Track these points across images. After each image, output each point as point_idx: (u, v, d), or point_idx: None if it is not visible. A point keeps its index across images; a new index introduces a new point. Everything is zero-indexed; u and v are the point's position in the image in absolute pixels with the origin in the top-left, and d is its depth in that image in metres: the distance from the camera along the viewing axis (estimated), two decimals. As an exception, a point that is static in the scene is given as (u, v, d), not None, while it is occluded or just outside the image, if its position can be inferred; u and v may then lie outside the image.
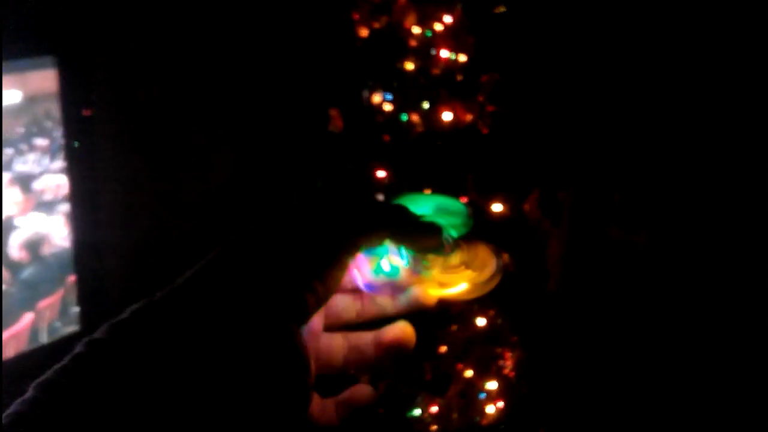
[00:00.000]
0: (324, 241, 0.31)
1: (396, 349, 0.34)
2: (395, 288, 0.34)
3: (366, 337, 0.35)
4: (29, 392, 0.27)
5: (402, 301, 0.35)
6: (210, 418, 0.27)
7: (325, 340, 0.35)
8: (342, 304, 0.35)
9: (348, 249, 0.31)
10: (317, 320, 0.34)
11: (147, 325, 0.29)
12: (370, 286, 0.34)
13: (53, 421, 0.26)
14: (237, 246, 0.31)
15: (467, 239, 0.36)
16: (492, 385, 1.36)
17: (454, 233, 0.35)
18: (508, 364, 1.39)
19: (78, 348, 0.29)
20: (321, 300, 0.30)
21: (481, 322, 1.35)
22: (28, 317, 1.30)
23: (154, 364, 0.27)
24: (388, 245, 0.34)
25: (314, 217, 0.32)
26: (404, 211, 0.33)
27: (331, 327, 0.35)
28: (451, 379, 1.34)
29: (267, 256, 0.30)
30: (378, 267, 0.34)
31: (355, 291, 0.35)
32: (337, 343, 0.35)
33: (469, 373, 1.35)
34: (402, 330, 0.34)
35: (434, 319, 1.31)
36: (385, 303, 0.35)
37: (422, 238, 0.34)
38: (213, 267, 0.30)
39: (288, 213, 0.32)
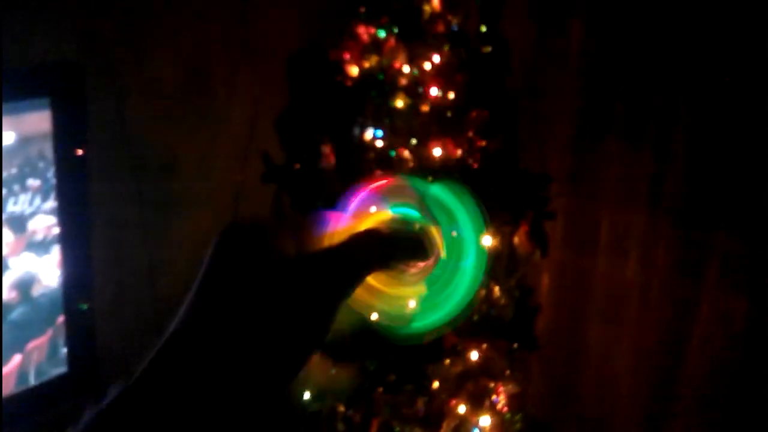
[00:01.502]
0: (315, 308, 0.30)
1: None
2: None
3: None
4: None
5: None
6: None
7: None
8: None
9: (340, 300, 0.31)
10: None
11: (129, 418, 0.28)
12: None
13: None
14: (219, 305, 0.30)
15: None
16: (485, 420, 1.35)
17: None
18: (501, 399, 1.38)
19: None
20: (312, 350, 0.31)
21: (473, 356, 1.35)
22: (16, 359, 1.28)
23: None
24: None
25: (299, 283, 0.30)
26: (382, 240, 0.33)
27: None
28: (445, 415, 1.33)
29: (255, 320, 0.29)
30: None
31: None
32: None
33: (462, 408, 1.35)
34: None
35: (426, 354, 1.31)
36: None
37: (408, 257, 0.34)
38: (192, 332, 0.30)
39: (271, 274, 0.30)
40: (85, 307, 1.34)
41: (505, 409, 1.39)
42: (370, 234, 0.33)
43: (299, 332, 0.29)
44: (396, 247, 0.34)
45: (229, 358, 0.28)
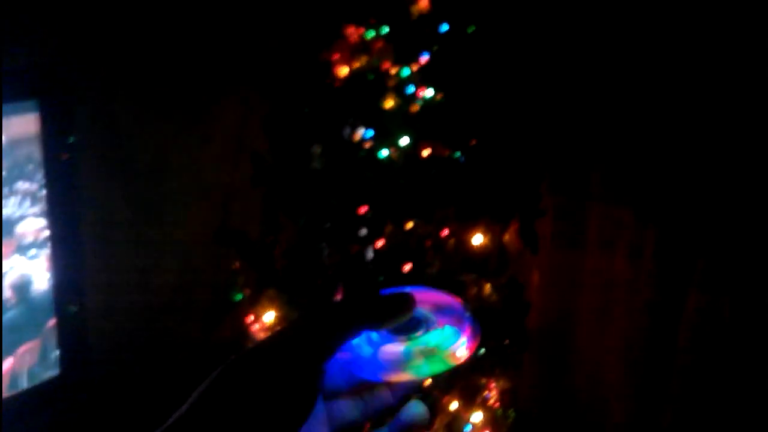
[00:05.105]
0: (298, 365, 0.31)
1: (416, 428, 0.35)
2: (390, 364, 0.35)
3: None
4: None
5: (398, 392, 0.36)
6: None
7: None
8: (344, 408, 0.36)
9: (322, 357, 0.32)
10: (323, 431, 0.35)
11: None
12: (368, 372, 0.34)
13: None
14: (223, 387, 0.31)
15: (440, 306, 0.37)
16: (477, 416, 1.36)
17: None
18: (492, 394, 1.40)
19: None
20: (305, 417, 0.32)
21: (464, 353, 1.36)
22: (8, 362, 1.27)
23: None
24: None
25: (286, 341, 0.32)
26: (369, 296, 0.34)
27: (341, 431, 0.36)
28: (437, 411, 1.34)
29: (251, 398, 0.31)
30: (361, 351, 0.35)
31: (355, 391, 0.36)
32: None
33: (454, 405, 1.36)
34: (418, 409, 0.35)
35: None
36: (385, 395, 0.36)
37: (392, 317, 0.34)
38: (202, 405, 0.31)
39: (263, 345, 0.32)
40: (74, 309, 1.34)
41: (497, 404, 1.40)
42: (346, 298, 0.34)
43: (288, 401, 0.31)
44: (366, 307, 0.34)
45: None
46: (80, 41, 1.33)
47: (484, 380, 1.40)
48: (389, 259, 1.30)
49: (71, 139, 1.29)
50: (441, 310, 0.37)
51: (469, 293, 1.37)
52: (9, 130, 1.22)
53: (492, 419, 1.38)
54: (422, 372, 0.35)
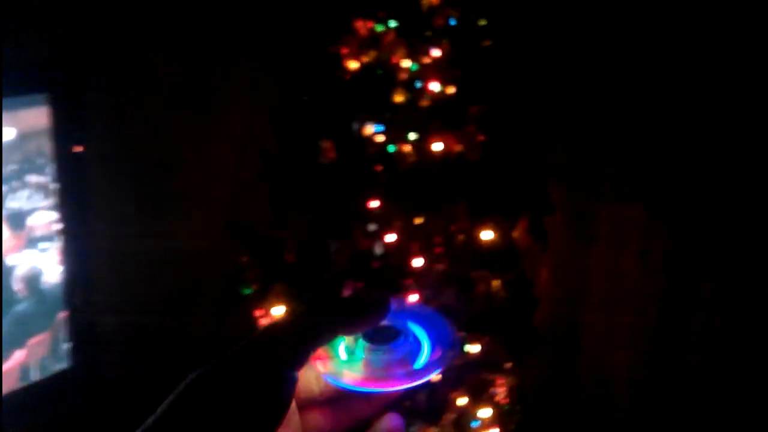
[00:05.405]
0: (266, 374, 0.31)
1: None
2: (372, 373, 0.34)
3: None
4: None
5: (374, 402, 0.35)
6: None
7: None
8: (320, 419, 0.35)
9: (293, 365, 0.31)
10: None
11: None
12: (344, 381, 0.34)
13: None
14: (192, 397, 0.31)
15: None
16: (485, 412, 1.36)
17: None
18: (501, 391, 1.39)
19: None
20: (274, 428, 0.31)
21: (473, 349, 1.35)
22: (18, 354, 1.28)
23: None
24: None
25: (254, 354, 0.32)
26: (341, 300, 0.33)
27: None
28: (445, 407, 1.34)
29: (219, 411, 0.30)
30: (338, 360, 0.34)
31: (331, 401, 0.35)
32: None
33: (462, 400, 1.36)
34: (394, 421, 0.34)
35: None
36: (362, 406, 0.35)
37: (365, 321, 0.34)
38: (167, 420, 0.30)
39: (234, 356, 0.32)
40: (85, 301, 1.35)
41: (505, 401, 1.40)
42: (304, 311, 0.34)
43: (256, 411, 0.30)
44: (331, 317, 0.34)
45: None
46: (90, 35, 1.33)
47: (492, 376, 1.39)
48: (398, 254, 1.29)
49: (81, 133, 1.30)
50: (423, 325, 0.36)
51: (478, 289, 1.36)
52: (20, 123, 1.22)
53: (500, 415, 1.38)
54: (393, 384, 0.34)
